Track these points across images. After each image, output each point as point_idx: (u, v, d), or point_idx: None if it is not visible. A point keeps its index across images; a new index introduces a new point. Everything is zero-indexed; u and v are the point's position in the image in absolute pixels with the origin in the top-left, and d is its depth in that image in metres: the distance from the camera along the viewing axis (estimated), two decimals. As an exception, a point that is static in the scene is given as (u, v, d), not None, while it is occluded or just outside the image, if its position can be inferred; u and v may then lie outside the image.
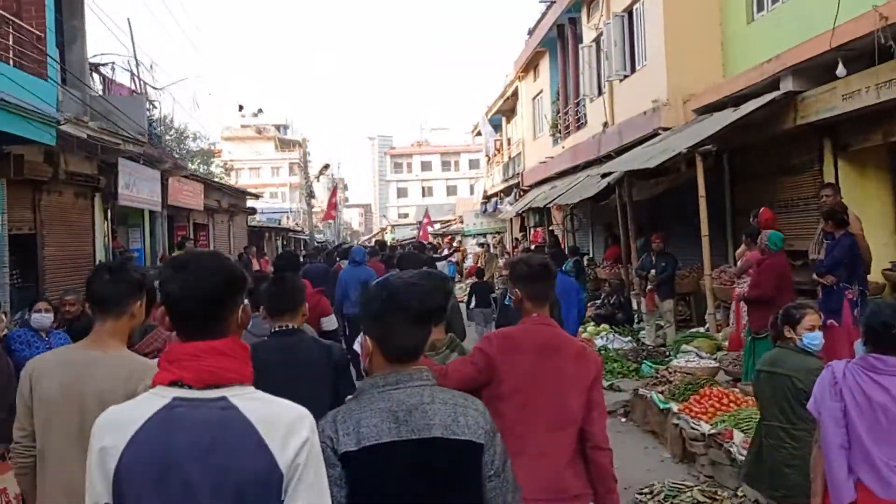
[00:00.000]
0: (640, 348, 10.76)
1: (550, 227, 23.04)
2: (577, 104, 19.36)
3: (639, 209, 13.21)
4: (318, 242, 36.89)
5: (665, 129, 13.10)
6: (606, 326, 12.40)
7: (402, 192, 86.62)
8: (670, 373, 8.01)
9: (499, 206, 33.28)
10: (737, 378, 8.05)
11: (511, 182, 29.55)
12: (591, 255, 21.06)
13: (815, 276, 7.23)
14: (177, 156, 21.25)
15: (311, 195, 35.45)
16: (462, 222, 40.98)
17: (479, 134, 39.15)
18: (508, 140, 33.92)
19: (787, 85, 10.02)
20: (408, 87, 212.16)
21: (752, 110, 10.18)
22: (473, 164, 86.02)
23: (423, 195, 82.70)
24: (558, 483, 2.94)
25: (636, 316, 12.76)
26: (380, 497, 2.08)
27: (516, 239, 26.42)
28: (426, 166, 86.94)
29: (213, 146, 50.51)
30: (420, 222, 47.06)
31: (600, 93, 17.25)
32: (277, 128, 77.20)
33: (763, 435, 4.34)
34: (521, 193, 29.43)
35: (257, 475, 1.72)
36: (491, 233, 38.06)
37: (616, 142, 15.41)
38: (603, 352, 10.63)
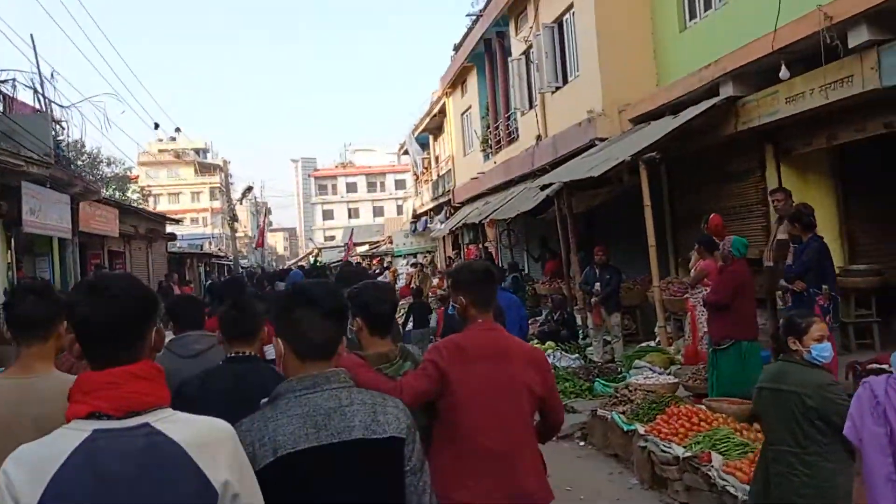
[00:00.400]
0: (590, 365, 10.32)
1: (485, 244, 22.67)
2: (508, 118, 19.05)
3: (576, 222, 12.83)
4: (242, 268, 35.58)
5: (601, 140, 12.83)
6: (552, 344, 11.93)
7: (327, 215, 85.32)
8: (630, 391, 7.55)
9: (429, 225, 32.78)
10: (700, 394, 7.65)
11: (441, 200, 29.12)
12: (526, 271, 20.75)
13: (782, 283, 6.90)
14: (89, 179, 19.91)
15: (234, 219, 34.14)
16: (391, 242, 40.27)
17: (405, 153, 38.64)
18: (436, 158, 33.53)
19: (728, 90, 9.82)
20: (330, 108, 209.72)
21: (693, 117, 9.95)
22: (399, 185, 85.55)
23: (350, 217, 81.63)
24: (523, 490, 2.91)
25: (581, 332, 12.35)
26: None
27: (449, 257, 25.92)
28: (351, 187, 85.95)
29: (128, 171, 48.55)
30: (346, 244, 46.30)
31: (531, 106, 16.96)
32: (197, 151, 75.28)
33: (770, 461, 3.85)
34: (452, 211, 29.07)
35: (191, 499, 1.66)
36: (421, 252, 37.48)
37: (550, 154, 15.10)
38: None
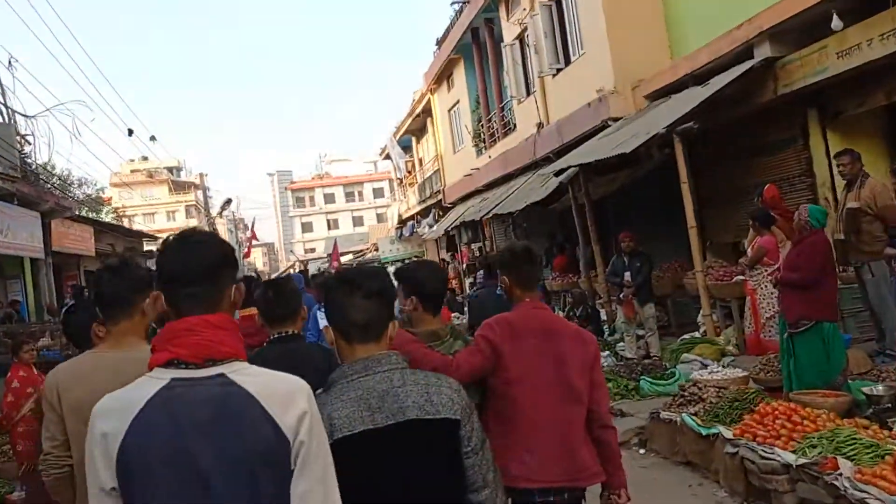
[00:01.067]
0: (631, 363, 9.31)
1: (482, 244, 21.69)
2: (503, 109, 18.08)
3: (594, 209, 11.86)
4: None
5: (615, 120, 11.90)
6: (578, 342, 10.95)
7: (306, 227, 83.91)
8: (700, 388, 6.54)
9: (416, 230, 31.73)
10: (772, 387, 6.68)
11: (429, 202, 28.10)
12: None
13: (889, 250, 5.95)
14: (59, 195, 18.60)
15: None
16: (377, 250, 39.13)
17: (387, 157, 37.55)
18: (420, 160, 32.52)
19: (764, 51, 8.92)
20: (304, 119, 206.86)
21: (727, 84, 9.01)
22: (378, 193, 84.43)
23: (329, 228, 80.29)
24: (576, 463, 2.91)
25: (607, 327, 11.36)
26: (361, 488, 1.97)
27: (444, 260, 24.88)
28: (329, 198, 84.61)
29: (100, 192, 47.02)
30: (329, 255, 45.05)
31: (529, 92, 16.00)
32: (170, 170, 73.83)
33: None
34: (441, 213, 28.08)
35: (265, 446, 1.69)
36: (408, 257, 36.46)
37: (556, 141, 14.14)
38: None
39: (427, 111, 27.52)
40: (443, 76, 22.37)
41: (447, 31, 21.47)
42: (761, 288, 7.56)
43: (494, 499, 2.22)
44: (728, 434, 5.70)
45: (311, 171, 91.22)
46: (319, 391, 2.10)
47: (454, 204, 23.43)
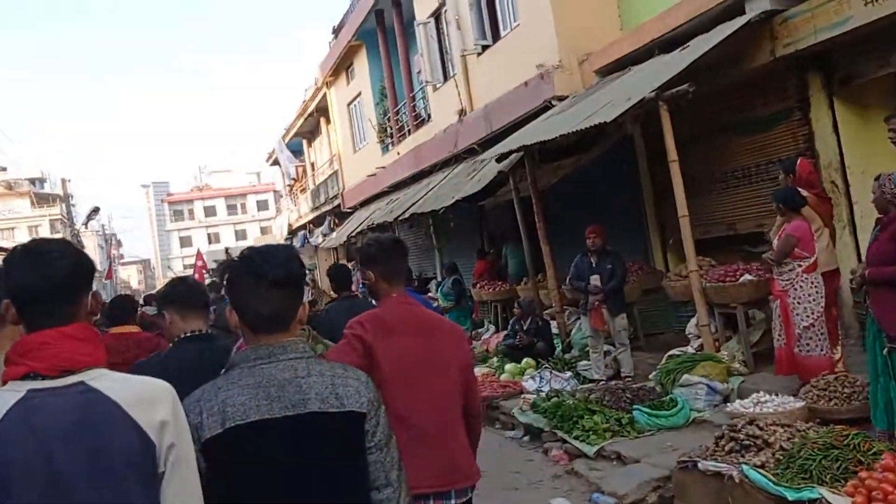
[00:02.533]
0: (612, 387, 7.43)
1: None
2: (413, 99, 16.05)
3: (541, 201, 9.98)
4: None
5: (560, 99, 10.10)
6: (530, 361, 9.02)
7: (185, 241, 78.87)
8: (762, 428, 4.67)
9: (309, 240, 29.19)
10: (838, 420, 4.94)
11: (324, 209, 25.69)
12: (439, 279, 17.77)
13: None
14: None
15: (79, 246, 29.07)
16: (264, 263, 36.21)
17: (274, 163, 34.75)
18: (312, 164, 30.01)
19: (762, 4, 7.31)
20: (182, 129, 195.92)
21: (717, 43, 7.35)
22: (262, 205, 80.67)
23: (210, 242, 75.62)
24: (454, 466, 2.77)
25: (560, 342, 9.50)
26: (253, 484, 1.88)
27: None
28: (210, 211, 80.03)
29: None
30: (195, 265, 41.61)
31: (447, 76, 14.07)
32: (32, 182, 67.78)
33: None
34: (337, 221, 25.71)
35: (130, 450, 1.66)
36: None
37: (482, 129, 12.24)
38: (553, 398, 7.21)
39: (321, 110, 25.12)
40: (341, 67, 20.11)
41: (346, 15, 19.31)
42: (795, 289, 5.84)
43: (398, 498, 2.06)
44: (838, 500, 3.86)
45: (191, 183, 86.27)
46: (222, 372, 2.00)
47: (354, 209, 21.17)
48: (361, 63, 18.63)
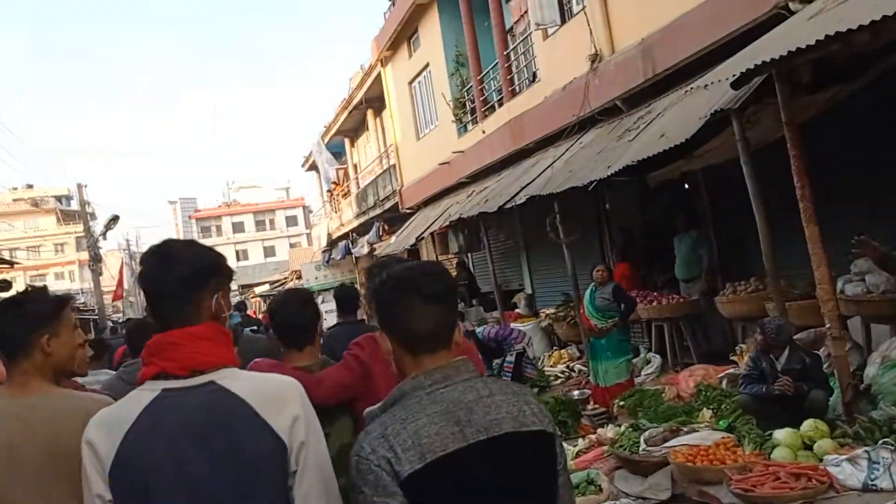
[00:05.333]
0: None
1: (450, 256, 15.77)
2: (508, 58, 12.23)
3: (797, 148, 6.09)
4: (112, 321, 27.03)
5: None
6: (820, 426, 5.12)
7: (213, 258, 75.72)
8: None
9: (353, 250, 25.50)
10: None
11: (372, 214, 22.01)
12: (530, 291, 13.93)
13: None
14: None
15: (96, 259, 25.50)
16: (300, 278, 32.56)
17: (311, 168, 31.18)
18: (356, 166, 26.40)
19: None
20: (210, 144, 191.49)
21: None
22: (291, 221, 77.57)
23: (238, 259, 72.50)
24: None
25: (837, 387, 5.58)
26: None
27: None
28: (238, 227, 76.91)
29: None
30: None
31: (566, 16, 10.31)
32: (59, 199, 65.28)
33: None
34: (386, 227, 21.98)
35: (259, 449, 1.67)
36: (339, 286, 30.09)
37: (635, 74, 8.48)
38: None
39: (371, 100, 21.49)
40: (402, 36, 16.40)
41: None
42: None
43: None
44: None
45: (218, 198, 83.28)
46: (368, 410, 1.80)
47: (415, 209, 17.43)
48: (431, 26, 14.88)
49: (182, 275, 1.75)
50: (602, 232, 11.43)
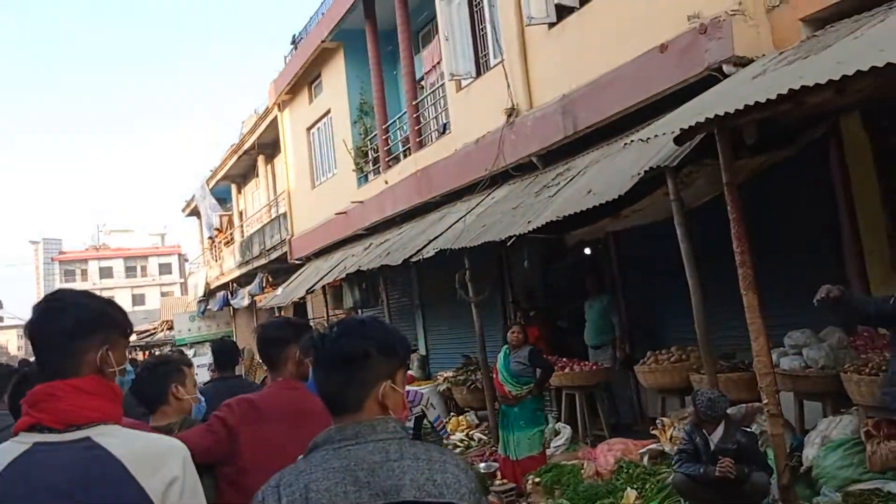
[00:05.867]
0: None
1: (340, 313, 14.91)
2: (417, 108, 11.77)
3: (739, 212, 5.80)
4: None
5: (741, 63, 6.12)
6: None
7: (75, 304, 70.56)
8: None
9: (231, 301, 24.06)
10: None
11: (256, 264, 20.82)
12: (424, 353, 13.27)
13: None
14: None
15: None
16: (171, 328, 30.46)
17: (192, 213, 29.54)
18: (241, 213, 25.12)
19: None
20: (79, 182, 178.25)
21: None
22: (165, 269, 73.87)
23: (104, 306, 67.92)
24: None
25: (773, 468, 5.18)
26: None
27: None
28: (106, 272, 72.29)
29: None
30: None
31: (482, 69, 9.98)
32: None
33: None
34: (269, 279, 20.85)
35: None
36: (214, 338, 28.26)
37: (554, 131, 8.18)
38: None
39: (263, 145, 20.58)
40: (303, 81, 15.67)
41: (312, 20, 15.07)
42: None
43: None
44: None
45: (87, 241, 78.20)
46: (300, 457, 1.73)
47: (305, 260, 16.48)
48: (335, 72, 14.26)
49: (65, 326, 1.71)
50: (504, 292, 10.95)
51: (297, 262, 16.76)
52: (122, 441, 1.66)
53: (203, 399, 3.32)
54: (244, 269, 22.24)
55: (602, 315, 8.89)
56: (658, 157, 5.86)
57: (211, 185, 25.60)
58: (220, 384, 4.79)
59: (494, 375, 7.28)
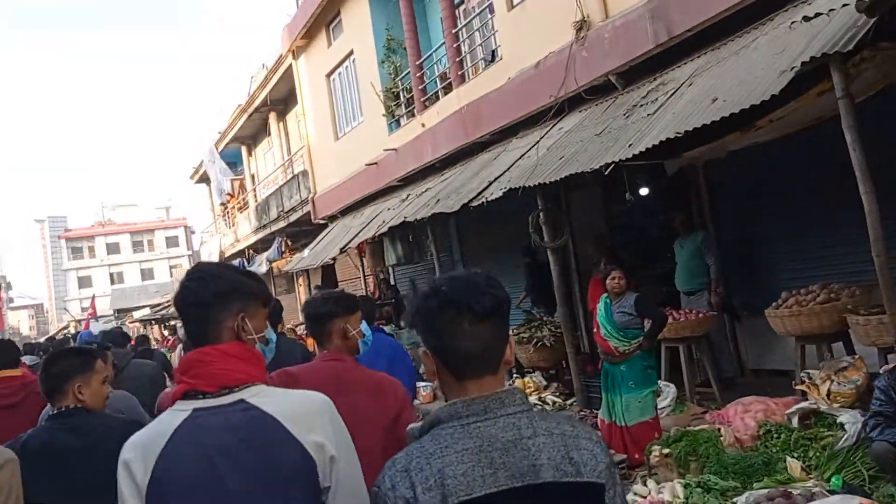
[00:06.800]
0: None
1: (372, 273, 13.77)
2: (457, 36, 10.42)
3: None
4: None
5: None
6: None
7: (84, 282, 69.66)
8: None
9: (249, 267, 22.89)
10: None
11: (273, 229, 19.64)
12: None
13: None
14: None
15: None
16: (186, 300, 29.35)
17: (201, 180, 28.28)
18: (253, 176, 23.88)
19: None
20: (84, 159, 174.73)
21: None
22: (172, 242, 72.79)
23: (113, 282, 67.02)
24: None
25: None
26: None
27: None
28: (113, 248, 71.22)
29: None
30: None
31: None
32: None
33: None
34: (289, 243, 19.68)
35: (291, 467, 1.67)
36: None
37: (642, 40, 6.89)
38: None
39: (275, 101, 19.27)
40: (320, 23, 14.28)
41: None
42: None
43: None
44: None
45: (92, 218, 77.12)
46: (411, 426, 1.85)
47: (329, 219, 15.28)
48: (356, 8, 12.86)
49: (205, 297, 1.79)
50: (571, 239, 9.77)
51: (321, 221, 15.54)
52: (275, 401, 1.72)
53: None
54: (261, 235, 21.07)
55: (694, 257, 7.70)
56: (816, 45, 4.60)
57: (220, 149, 24.29)
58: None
59: (595, 330, 6.11)
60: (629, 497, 5.02)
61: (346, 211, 14.44)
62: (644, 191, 7.00)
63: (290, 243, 20.00)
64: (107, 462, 2.11)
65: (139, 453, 1.67)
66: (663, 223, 8.29)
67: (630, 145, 5.89)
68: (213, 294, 1.79)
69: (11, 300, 72.04)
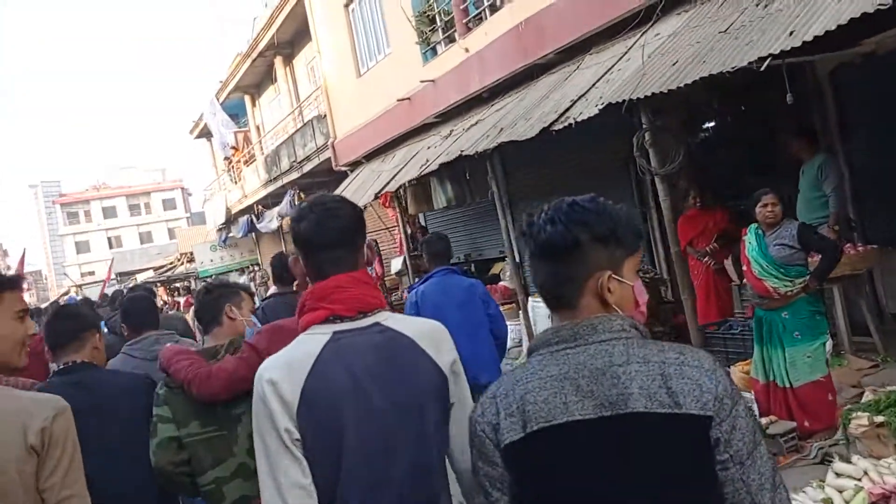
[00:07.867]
0: None
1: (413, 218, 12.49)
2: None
3: None
4: None
5: None
6: None
7: (82, 247, 68.27)
8: None
9: (257, 225, 21.56)
10: None
11: (285, 181, 18.28)
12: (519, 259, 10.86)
13: None
14: None
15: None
16: (191, 261, 28.14)
17: (202, 135, 26.75)
18: (258, 128, 22.38)
19: None
20: (77, 121, 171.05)
21: None
22: (169, 204, 71.27)
23: (111, 246, 65.64)
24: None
25: None
26: (560, 501, 1.38)
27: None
28: (109, 212, 69.71)
29: None
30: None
31: None
32: None
33: None
34: (302, 196, 18.28)
35: (429, 383, 1.77)
36: (238, 269, 26.00)
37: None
38: None
39: (283, 44, 17.70)
40: (336, -54, 12.76)
41: None
42: None
43: None
44: None
45: (86, 182, 75.27)
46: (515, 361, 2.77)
47: (353, 165, 13.94)
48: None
49: (345, 224, 1.84)
50: (628, 172, 8.52)
51: (343, 168, 14.19)
52: (406, 324, 1.82)
53: (258, 323, 2.98)
54: (270, 188, 19.67)
55: (813, 186, 6.44)
56: None
57: (221, 100, 22.74)
58: (277, 300, 5.06)
59: (746, 267, 4.87)
60: (828, 477, 3.86)
61: (371, 156, 13.09)
62: (789, 98, 5.67)
63: (303, 196, 18.62)
64: (115, 419, 2.29)
65: (285, 373, 1.71)
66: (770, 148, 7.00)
67: (791, 33, 4.58)
68: (354, 222, 1.87)
69: (9, 268, 70.73)
